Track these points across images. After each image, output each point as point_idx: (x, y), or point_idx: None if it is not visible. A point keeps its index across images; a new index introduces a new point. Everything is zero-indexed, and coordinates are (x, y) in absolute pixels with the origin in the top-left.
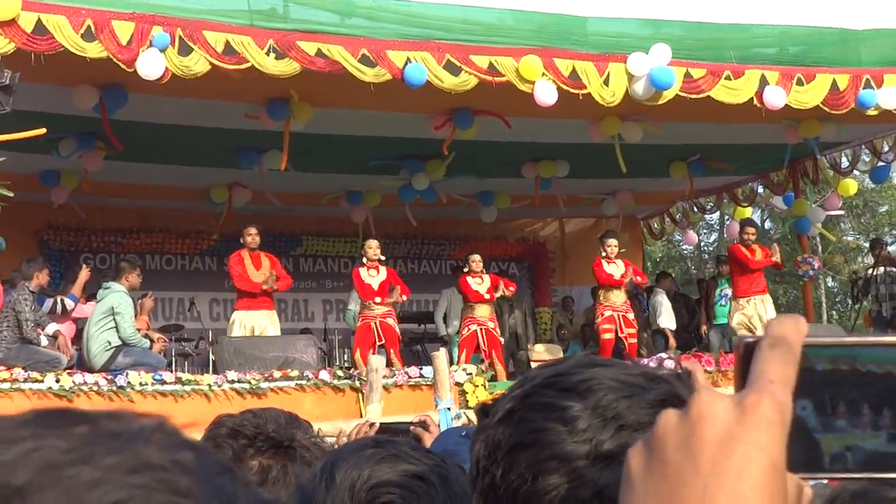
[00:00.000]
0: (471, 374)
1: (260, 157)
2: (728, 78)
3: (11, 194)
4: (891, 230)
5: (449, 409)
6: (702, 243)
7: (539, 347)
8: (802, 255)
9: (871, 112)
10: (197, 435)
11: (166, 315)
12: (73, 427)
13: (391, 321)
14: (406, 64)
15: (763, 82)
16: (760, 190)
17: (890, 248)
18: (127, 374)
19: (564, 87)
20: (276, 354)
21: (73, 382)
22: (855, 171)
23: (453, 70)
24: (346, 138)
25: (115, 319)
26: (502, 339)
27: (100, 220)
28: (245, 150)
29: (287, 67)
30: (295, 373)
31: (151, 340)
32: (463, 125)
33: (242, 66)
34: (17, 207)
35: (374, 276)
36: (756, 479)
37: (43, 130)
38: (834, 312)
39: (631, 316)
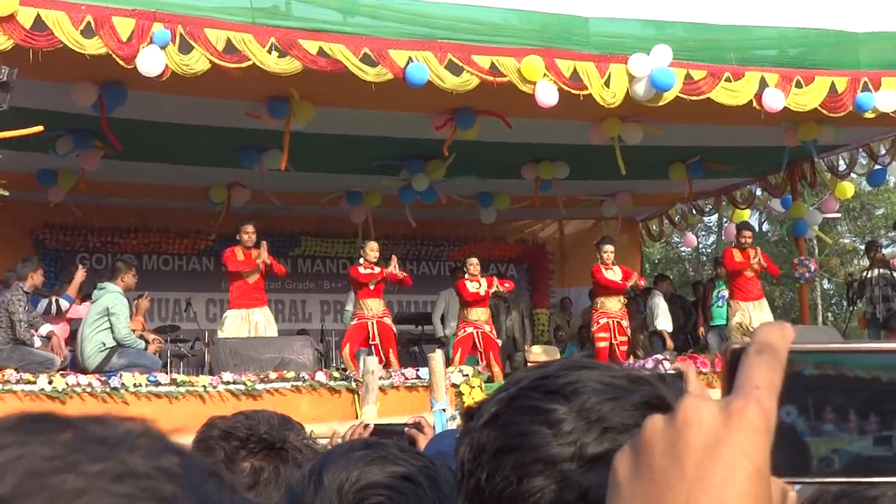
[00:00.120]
0: (467, 375)
1: (260, 156)
2: (728, 80)
3: (7, 193)
4: (887, 233)
5: (444, 410)
6: (700, 245)
7: (536, 349)
8: (799, 257)
9: (869, 115)
10: (189, 437)
11: (162, 316)
12: (57, 433)
13: (388, 321)
14: (408, 63)
15: (762, 84)
16: (758, 192)
17: (886, 251)
18: (121, 375)
19: (565, 87)
20: (273, 356)
21: (66, 384)
22: (852, 174)
23: (455, 70)
24: (347, 138)
25: (109, 320)
26: (499, 342)
27: (96, 220)
28: (245, 149)
29: (289, 65)
30: (291, 374)
31: (147, 341)
32: (464, 125)
33: (243, 65)
34: (13, 206)
35: (370, 277)
36: (740, 485)
37: (40, 128)
38: (830, 314)
39: (625, 324)
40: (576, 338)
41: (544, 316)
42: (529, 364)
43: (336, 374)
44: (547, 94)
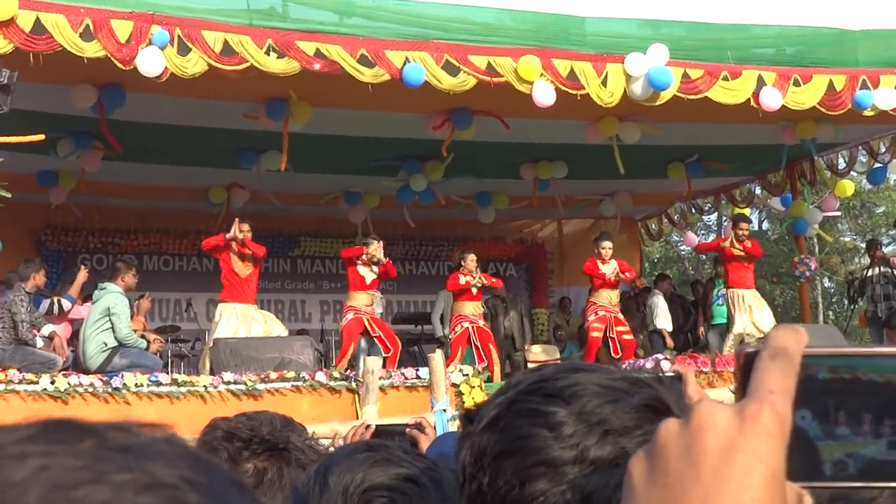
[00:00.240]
0: (467, 375)
1: (259, 157)
2: (725, 78)
3: (9, 195)
4: (888, 231)
5: (445, 410)
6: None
7: (536, 348)
8: (799, 255)
9: (868, 113)
10: (192, 437)
11: (163, 316)
12: (80, 441)
13: (379, 315)
14: (404, 64)
15: (760, 83)
16: (758, 191)
17: (886, 249)
18: (122, 375)
19: (563, 87)
20: (273, 356)
21: (69, 384)
22: (852, 173)
23: (452, 70)
24: (345, 139)
25: (111, 320)
26: (495, 338)
27: (97, 221)
28: (244, 150)
29: (287, 66)
30: (291, 374)
31: (148, 341)
32: (461, 126)
33: (241, 67)
34: (14, 208)
35: (368, 273)
36: (756, 489)
37: (41, 137)
38: (830, 313)
39: (622, 316)
40: (575, 337)
41: (544, 315)
42: (529, 363)
43: (336, 374)
44: (544, 94)
